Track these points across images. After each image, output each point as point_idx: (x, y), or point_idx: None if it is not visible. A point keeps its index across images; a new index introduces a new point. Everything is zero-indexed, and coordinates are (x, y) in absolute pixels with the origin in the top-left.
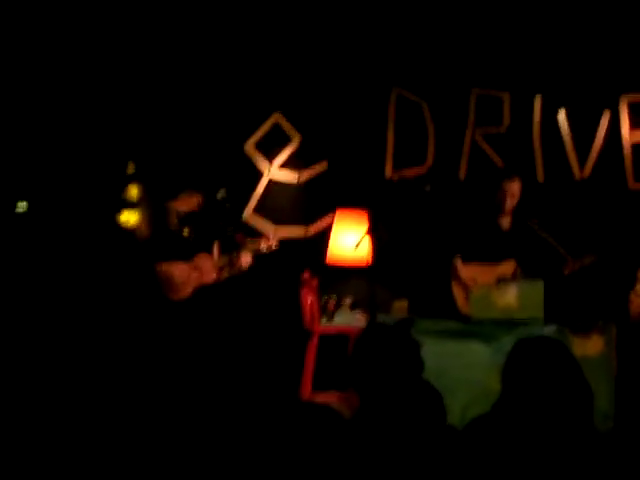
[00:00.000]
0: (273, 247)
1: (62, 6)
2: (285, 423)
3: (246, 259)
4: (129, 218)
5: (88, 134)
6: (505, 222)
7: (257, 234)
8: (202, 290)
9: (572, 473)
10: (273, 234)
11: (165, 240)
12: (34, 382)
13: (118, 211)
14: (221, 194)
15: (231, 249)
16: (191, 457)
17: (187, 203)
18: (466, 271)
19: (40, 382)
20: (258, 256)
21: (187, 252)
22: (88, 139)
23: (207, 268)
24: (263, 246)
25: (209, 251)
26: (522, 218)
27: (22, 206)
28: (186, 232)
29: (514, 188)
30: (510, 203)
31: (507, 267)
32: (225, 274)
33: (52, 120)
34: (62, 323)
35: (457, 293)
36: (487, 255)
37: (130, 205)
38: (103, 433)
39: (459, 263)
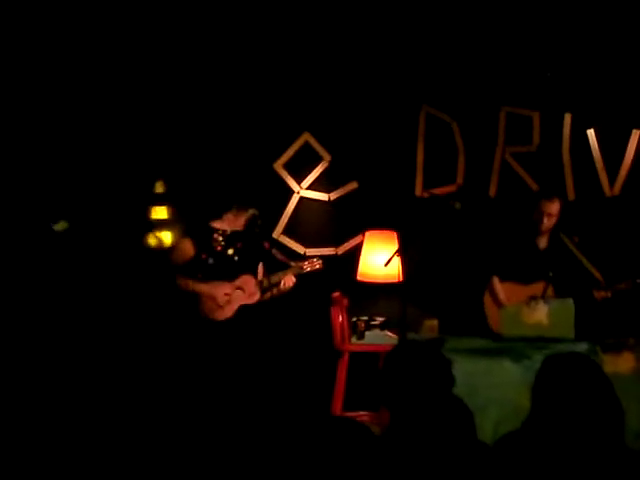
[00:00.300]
0: (317, 267)
1: (88, 22)
2: (316, 437)
3: (289, 281)
4: (161, 238)
5: (117, 153)
6: (542, 242)
7: (292, 253)
8: (243, 310)
9: None
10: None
11: (209, 261)
12: (68, 403)
13: (148, 231)
14: (251, 213)
15: (274, 270)
16: (222, 471)
17: (232, 222)
18: (502, 290)
19: (75, 404)
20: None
21: (231, 272)
22: (117, 158)
23: (251, 289)
24: (307, 267)
25: (253, 271)
26: (563, 235)
27: (62, 225)
28: (231, 252)
29: (552, 209)
30: (548, 223)
31: (542, 287)
32: (269, 295)
33: (82, 139)
34: (100, 343)
35: (490, 311)
36: (523, 274)
37: (159, 225)
38: (139, 447)
39: (497, 282)
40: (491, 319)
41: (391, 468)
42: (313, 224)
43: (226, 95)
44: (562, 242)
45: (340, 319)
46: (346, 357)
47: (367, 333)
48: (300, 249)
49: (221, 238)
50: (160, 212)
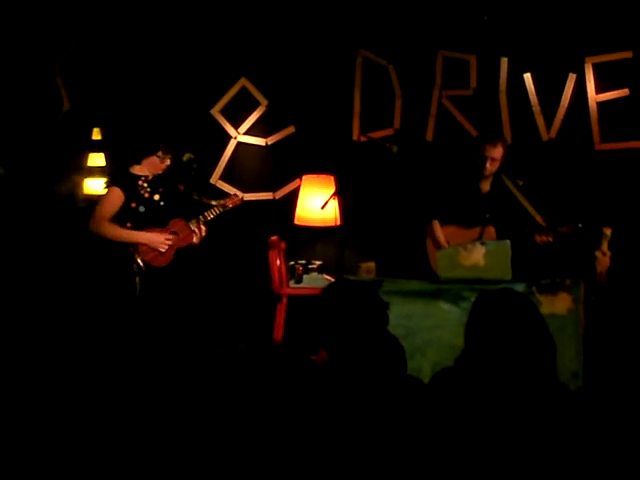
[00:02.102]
0: (238, 202)
1: None
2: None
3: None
4: (96, 186)
5: (52, 100)
6: (485, 185)
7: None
8: (181, 254)
9: (539, 430)
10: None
11: (140, 209)
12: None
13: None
14: (187, 157)
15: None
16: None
17: (155, 166)
18: (443, 232)
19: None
20: (228, 220)
21: (161, 218)
22: (52, 105)
23: (184, 231)
24: (229, 203)
25: (179, 215)
26: (506, 178)
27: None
28: (157, 197)
29: (495, 153)
30: (491, 168)
31: (484, 231)
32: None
33: (18, 82)
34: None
35: (432, 254)
36: (465, 218)
37: (96, 173)
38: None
39: (436, 225)
40: (433, 262)
41: (327, 402)
42: (251, 169)
43: (163, 42)
44: (505, 185)
45: (278, 263)
46: (284, 301)
47: (305, 277)
48: (238, 194)
49: (146, 184)
50: (97, 159)
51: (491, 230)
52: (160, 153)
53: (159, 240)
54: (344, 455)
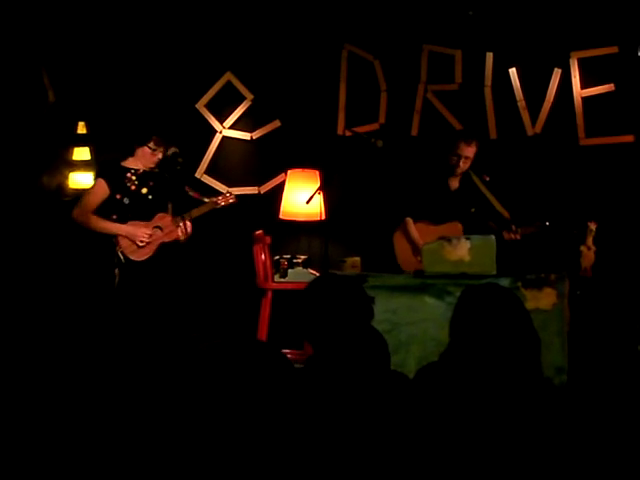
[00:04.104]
0: (231, 201)
1: None
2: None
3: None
4: (81, 180)
5: (37, 93)
6: (454, 182)
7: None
8: (164, 249)
9: (523, 424)
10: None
11: (125, 201)
12: None
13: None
14: (172, 151)
15: (187, 207)
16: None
17: (148, 159)
18: (415, 230)
19: None
20: (213, 215)
21: (147, 211)
22: (37, 98)
23: (169, 226)
24: (222, 201)
25: (166, 210)
26: (474, 174)
27: None
28: (145, 191)
29: (470, 152)
30: (463, 166)
31: (452, 227)
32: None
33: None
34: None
35: (399, 251)
36: (435, 215)
37: (81, 166)
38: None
39: (410, 223)
40: (400, 258)
41: (311, 397)
42: (236, 163)
43: (149, 36)
44: (473, 182)
45: (263, 257)
46: (269, 295)
47: (290, 271)
48: (223, 188)
49: (134, 177)
50: (82, 153)
51: (458, 226)
52: (152, 144)
53: (138, 233)
54: (328, 450)
